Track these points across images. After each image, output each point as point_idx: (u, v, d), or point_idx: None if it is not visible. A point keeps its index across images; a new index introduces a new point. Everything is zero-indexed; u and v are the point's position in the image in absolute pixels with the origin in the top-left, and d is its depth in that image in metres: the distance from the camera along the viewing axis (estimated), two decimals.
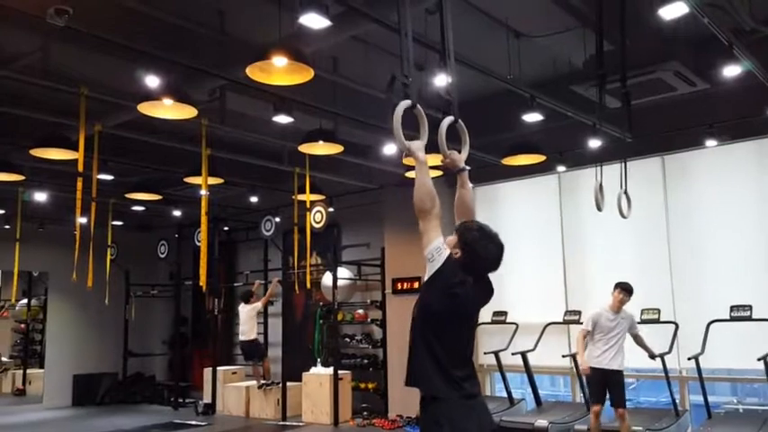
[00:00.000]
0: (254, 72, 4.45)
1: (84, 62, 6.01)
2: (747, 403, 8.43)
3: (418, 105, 2.64)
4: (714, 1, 4.77)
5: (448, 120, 2.77)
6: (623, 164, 6.16)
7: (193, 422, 9.78)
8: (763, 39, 5.46)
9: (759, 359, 6.26)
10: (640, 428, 6.22)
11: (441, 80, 5.23)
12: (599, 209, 6.11)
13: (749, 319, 6.72)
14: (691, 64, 5.86)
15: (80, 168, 6.08)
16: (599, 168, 6.16)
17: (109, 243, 9.87)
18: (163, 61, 4.98)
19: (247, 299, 10.10)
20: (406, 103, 2.60)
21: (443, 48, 2.97)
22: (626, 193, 6.19)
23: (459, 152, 2.78)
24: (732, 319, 6.83)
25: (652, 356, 6.52)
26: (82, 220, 6.56)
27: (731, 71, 5.45)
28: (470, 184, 2.80)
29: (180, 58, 5.04)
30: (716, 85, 6.24)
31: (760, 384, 7.58)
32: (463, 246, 2.47)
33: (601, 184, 6.06)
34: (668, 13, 4.21)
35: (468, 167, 2.78)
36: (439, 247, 2.41)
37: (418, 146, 2.53)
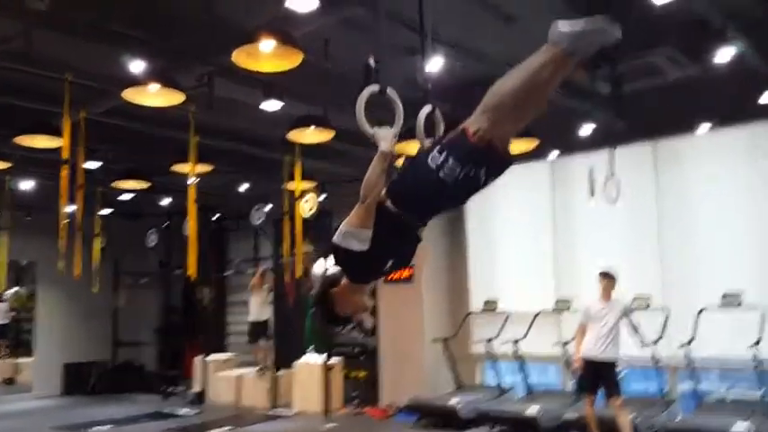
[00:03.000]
0: (241, 57, 4.37)
1: (69, 48, 5.88)
2: (736, 392, 8.46)
3: (389, 90, 2.53)
4: None
5: (426, 109, 2.68)
6: (612, 150, 6.13)
7: (183, 411, 9.74)
8: (756, 22, 5.41)
9: (750, 347, 6.27)
10: (631, 416, 6.21)
11: (432, 65, 5.18)
12: (592, 194, 6.10)
13: (740, 306, 6.73)
14: (683, 48, 5.81)
15: (65, 156, 5.99)
16: (592, 154, 6.14)
17: (97, 232, 9.77)
18: (149, 46, 4.89)
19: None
20: (373, 88, 2.50)
21: (421, 33, 2.90)
22: (614, 179, 6.18)
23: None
24: (723, 306, 6.83)
25: (643, 345, 6.51)
26: (69, 208, 6.49)
27: (724, 55, 5.41)
28: None
29: (166, 43, 4.95)
30: (707, 71, 6.19)
31: (748, 373, 7.59)
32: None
33: (592, 171, 6.04)
34: None
35: None
36: (350, 232, 2.28)
37: (384, 134, 2.35)
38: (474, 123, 2.11)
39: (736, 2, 5.09)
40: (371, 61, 2.56)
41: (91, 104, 6.39)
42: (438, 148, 2.20)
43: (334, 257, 2.39)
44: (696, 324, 6.88)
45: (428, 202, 2.34)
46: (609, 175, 5.99)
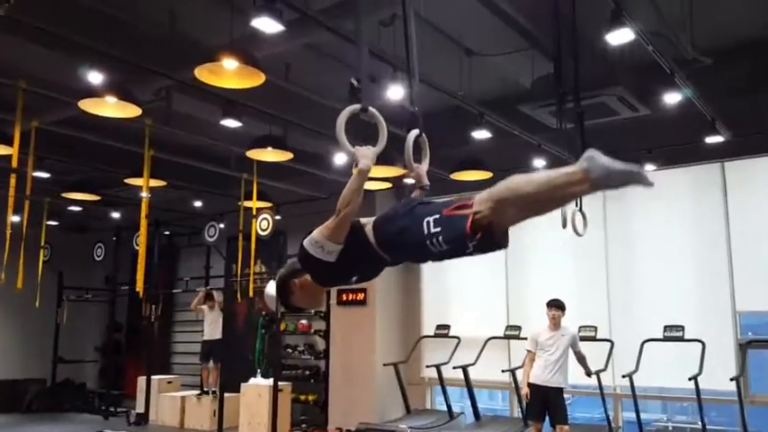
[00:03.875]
0: (203, 74, 4.36)
1: (24, 54, 5.76)
2: (677, 421, 8.72)
3: (371, 108, 2.52)
4: (658, 30, 4.96)
5: (414, 132, 2.67)
6: None
7: None
8: (703, 69, 5.69)
9: (690, 378, 6.47)
10: None
11: (394, 93, 5.26)
12: (564, 225, 6.26)
13: (681, 339, 6.96)
14: (634, 90, 6.06)
15: (14, 164, 5.83)
16: None
17: (42, 244, 9.47)
18: (107, 57, 4.82)
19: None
20: (354, 107, 2.49)
21: (408, 56, 2.91)
22: (581, 210, 6.34)
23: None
24: (665, 339, 7.05)
25: (588, 374, 6.64)
26: (14, 218, 6.28)
27: (672, 98, 5.66)
28: None
29: (126, 55, 4.89)
30: (656, 112, 6.46)
31: (689, 403, 7.84)
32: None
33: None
34: (615, 38, 4.35)
35: (428, 184, 2.73)
36: (318, 241, 2.29)
37: (365, 153, 2.33)
38: (478, 205, 2.10)
39: (684, 47, 5.34)
40: (354, 81, 2.57)
41: (44, 113, 6.24)
42: (437, 218, 2.17)
43: (300, 260, 2.40)
44: (640, 355, 7.08)
45: (407, 253, 2.37)
46: (575, 207, 6.17)
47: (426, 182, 2.70)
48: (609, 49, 5.02)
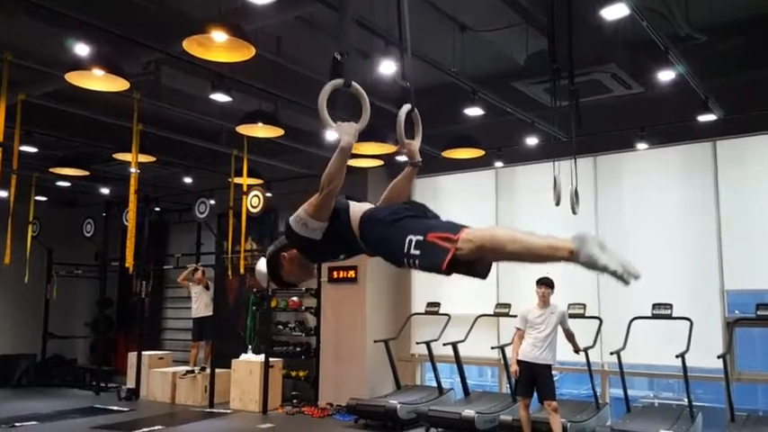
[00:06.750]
0: (192, 46, 4.29)
1: (10, 26, 5.66)
2: (663, 398, 8.84)
3: (355, 84, 2.48)
4: (653, 5, 4.91)
5: (406, 107, 2.63)
6: (573, 161, 6.33)
7: (115, 407, 9.45)
8: (698, 45, 5.66)
9: (677, 356, 6.54)
10: (563, 420, 6.38)
11: (385, 68, 5.21)
12: (558, 203, 6.28)
13: (669, 317, 7.02)
14: (627, 67, 6.03)
15: (0, 138, 5.75)
16: (556, 163, 6.33)
17: (31, 219, 9.40)
18: (95, 29, 4.73)
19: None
20: (337, 81, 2.44)
21: (400, 30, 2.85)
22: (576, 191, 6.38)
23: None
24: (653, 316, 7.11)
25: (576, 351, 6.69)
26: (2, 193, 6.22)
27: (665, 76, 5.63)
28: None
29: (114, 27, 4.80)
30: (650, 90, 6.44)
31: (675, 380, 7.94)
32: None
33: (556, 179, 6.23)
34: (610, 14, 4.31)
35: (421, 160, 2.69)
36: (302, 219, 2.31)
37: (347, 129, 2.31)
38: (462, 242, 2.05)
39: (678, 24, 5.30)
40: (338, 55, 2.50)
41: (31, 86, 6.15)
42: (419, 240, 2.13)
43: (287, 236, 2.42)
44: (628, 332, 7.14)
45: (384, 257, 2.35)
46: (571, 187, 6.21)
47: (419, 158, 2.66)
48: (603, 25, 4.97)
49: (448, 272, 2.08)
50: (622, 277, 1.91)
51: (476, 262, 2.14)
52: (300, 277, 2.61)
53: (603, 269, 1.91)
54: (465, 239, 2.04)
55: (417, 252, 2.12)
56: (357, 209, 2.36)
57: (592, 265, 1.91)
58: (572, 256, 1.92)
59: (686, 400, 6.90)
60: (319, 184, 2.29)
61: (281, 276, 2.55)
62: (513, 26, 5.62)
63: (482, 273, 2.22)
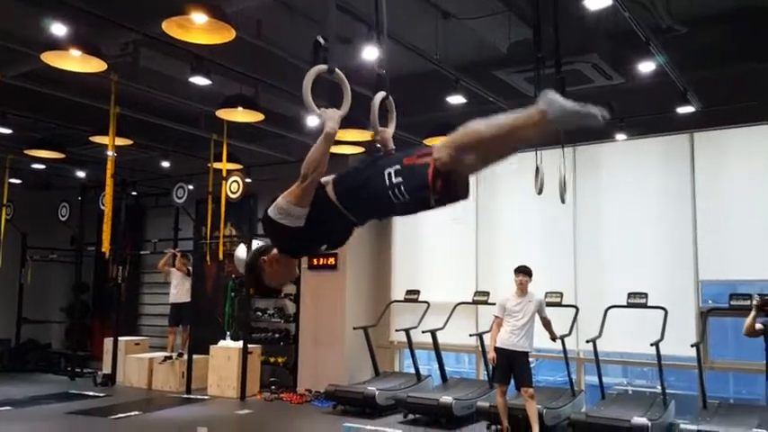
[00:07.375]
0: (172, 27, 4.22)
1: None
2: (636, 385, 8.98)
3: (337, 70, 2.47)
4: None
5: (380, 95, 2.63)
6: (562, 150, 6.37)
7: (91, 393, 9.38)
8: (678, 37, 5.70)
9: (652, 344, 6.64)
10: (539, 407, 6.46)
11: (368, 54, 5.17)
12: (540, 192, 6.32)
13: (644, 306, 7.12)
14: (608, 58, 6.05)
15: None
16: (539, 153, 6.37)
17: (4, 201, 9.24)
18: (71, 9, 4.64)
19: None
20: (320, 68, 2.43)
21: (377, 18, 2.83)
22: (564, 179, 6.44)
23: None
24: (629, 305, 7.21)
25: (553, 338, 6.77)
26: None
27: (645, 67, 5.66)
28: None
29: (91, 6, 4.70)
30: (630, 81, 6.48)
31: (649, 368, 8.07)
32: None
33: (540, 169, 6.27)
34: (593, 3, 4.32)
35: (394, 148, 2.70)
36: (284, 208, 2.26)
37: (331, 115, 2.30)
38: (437, 152, 2.08)
39: (660, 15, 5.33)
40: (321, 39, 2.47)
41: (6, 67, 6.01)
42: (398, 168, 2.15)
43: (265, 229, 2.36)
44: (603, 321, 7.24)
45: (371, 209, 2.34)
46: (560, 175, 6.26)
47: (392, 146, 2.65)
48: (585, 15, 4.98)
49: (434, 185, 2.09)
50: (596, 116, 1.93)
51: (456, 179, 2.14)
52: (284, 278, 2.53)
53: (577, 116, 1.93)
54: (439, 148, 2.08)
55: (399, 179, 2.14)
56: (326, 179, 2.33)
57: (565, 116, 1.93)
58: (544, 115, 1.94)
59: (659, 387, 7.02)
60: (300, 172, 2.26)
61: (264, 281, 2.47)
62: (496, 14, 5.60)
63: (463, 192, 2.22)
